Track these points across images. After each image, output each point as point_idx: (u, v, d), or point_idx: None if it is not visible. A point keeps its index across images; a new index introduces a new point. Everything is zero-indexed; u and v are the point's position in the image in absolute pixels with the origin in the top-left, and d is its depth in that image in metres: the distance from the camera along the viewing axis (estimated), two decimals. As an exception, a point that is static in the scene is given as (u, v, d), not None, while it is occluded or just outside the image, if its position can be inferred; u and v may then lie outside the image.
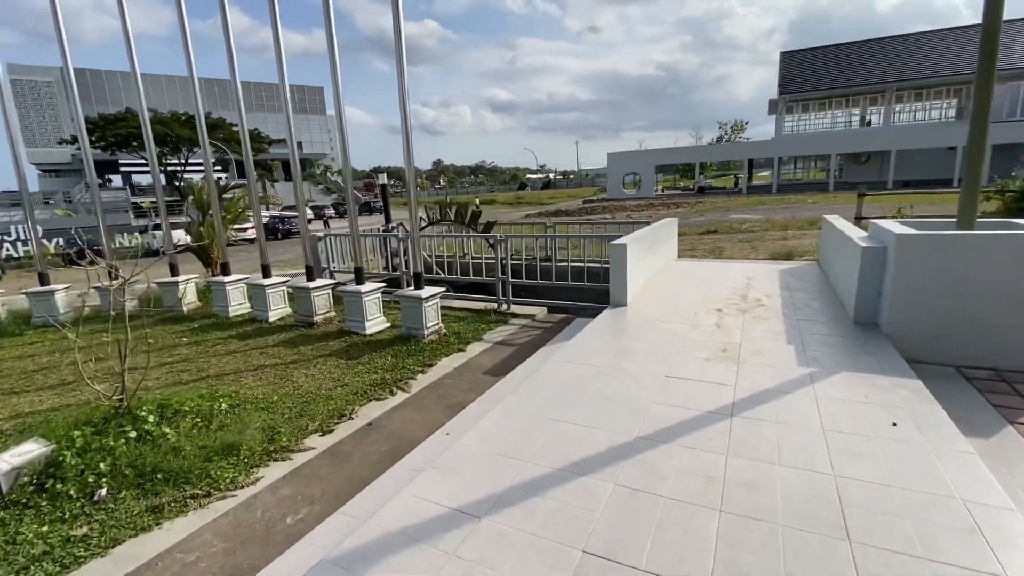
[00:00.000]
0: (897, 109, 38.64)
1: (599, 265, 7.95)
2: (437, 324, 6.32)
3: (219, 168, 53.73)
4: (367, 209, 56.21)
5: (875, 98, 38.89)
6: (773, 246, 10.54)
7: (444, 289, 6.36)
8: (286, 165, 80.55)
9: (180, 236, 26.89)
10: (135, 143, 43.11)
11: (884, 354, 3.93)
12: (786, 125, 42.18)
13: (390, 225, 10.46)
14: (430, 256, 9.30)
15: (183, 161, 48.55)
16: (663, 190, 51.99)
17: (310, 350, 6.02)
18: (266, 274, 7.64)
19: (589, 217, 28.36)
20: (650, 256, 6.99)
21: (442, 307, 7.57)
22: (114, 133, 41.96)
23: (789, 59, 41.73)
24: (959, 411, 3.19)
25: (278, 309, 7.56)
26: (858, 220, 7.77)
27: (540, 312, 7.22)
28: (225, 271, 8.09)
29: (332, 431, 3.96)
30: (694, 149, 48.27)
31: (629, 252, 5.80)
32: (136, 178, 63.58)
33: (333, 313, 7.33)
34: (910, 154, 34.75)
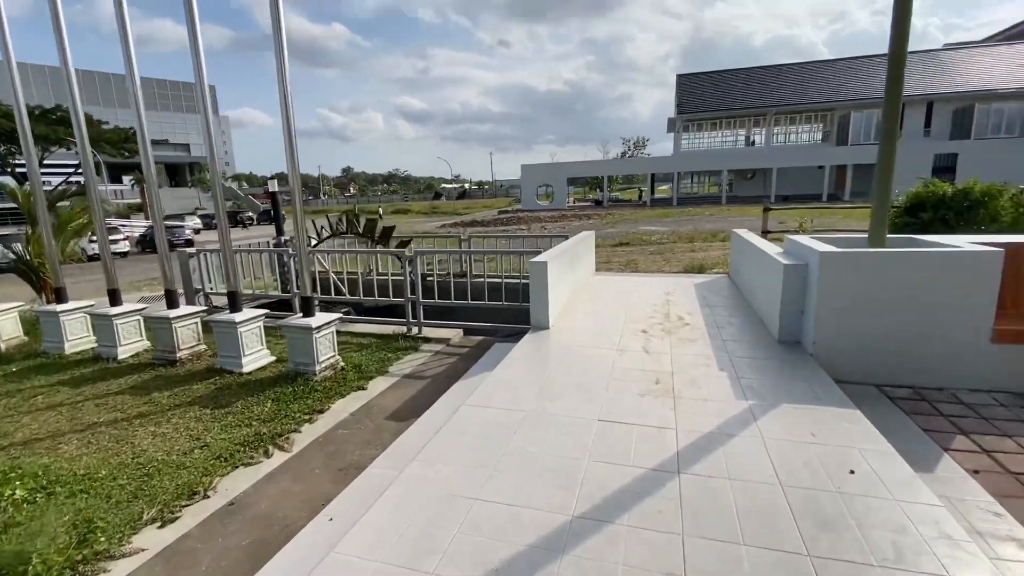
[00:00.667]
0: (776, 131, 42.98)
1: (518, 281, 7.45)
2: (333, 357, 5.41)
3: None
4: (267, 218, 51.97)
5: (758, 120, 42.94)
6: (684, 258, 10.74)
7: (343, 313, 5.49)
8: (169, 169, 72.67)
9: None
10: (-28, 138, 36.23)
11: (817, 379, 3.75)
12: (683, 142, 45.29)
13: (283, 238, 9.23)
14: (332, 274, 8.27)
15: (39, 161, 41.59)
16: (575, 202, 53.59)
17: (166, 397, 4.84)
18: (115, 300, 6.22)
19: (505, 228, 28.15)
20: (570, 272, 6.60)
21: (343, 334, 6.64)
22: None
23: (684, 81, 44.93)
24: (895, 440, 3.00)
25: (131, 344, 6.16)
26: (765, 234, 7.99)
27: (455, 335, 6.54)
28: (60, 297, 6.50)
29: (176, 518, 2.98)
30: (603, 163, 50.40)
31: (550, 270, 5.33)
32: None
33: (203, 347, 6.11)
34: (788, 171, 38.67)
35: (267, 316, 5.98)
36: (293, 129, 4.85)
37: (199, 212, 53.83)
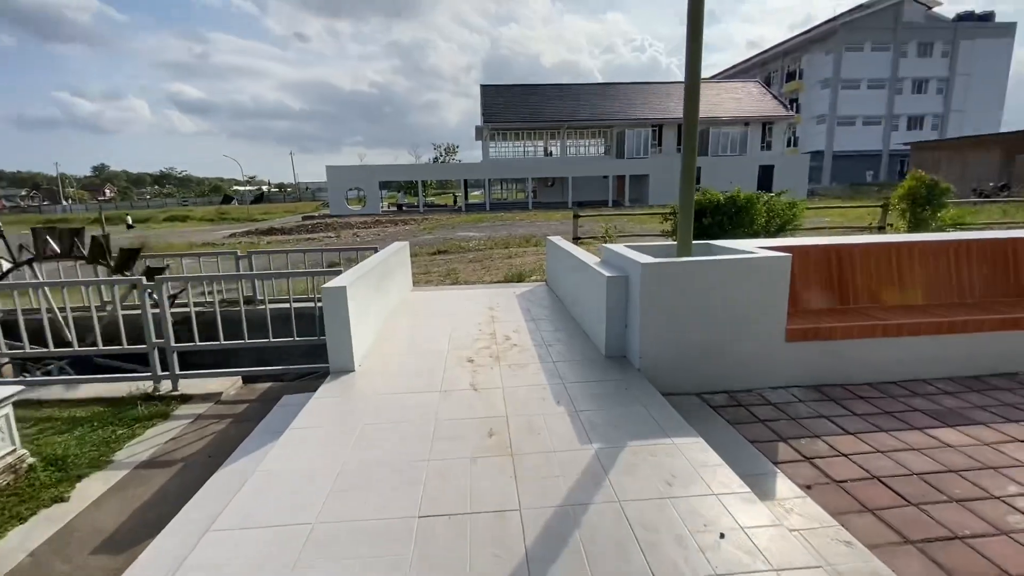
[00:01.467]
0: (569, 143, 47.69)
1: (314, 306, 6.12)
2: (12, 452, 3.48)
3: None
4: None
5: (554, 133, 47.07)
6: (502, 266, 10.54)
7: (20, 389, 3.55)
8: None
9: None
10: None
11: (652, 401, 3.50)
12: (491, 151, 47.20)
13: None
14: (45, 314, 5.73)
15: None
16: (389, 206, 51.66)
17: None
18: None
19: (311, 236, 25.29)
20: (380, 295, 5.59)
21: (47, 404, 4.58)
22: None
23: (488, 92, 46.81)
24: (733, 460, 2.83)
25: None
26: (576, 240, 8.10)
27: (231, 387, 4.98)
28: None
29: None
30: (415, 167, 49.54)
31: (351, 297, 4.27)
32: None
33: None
34: (580, 180, 43.19)
35: None
36: None
37: None
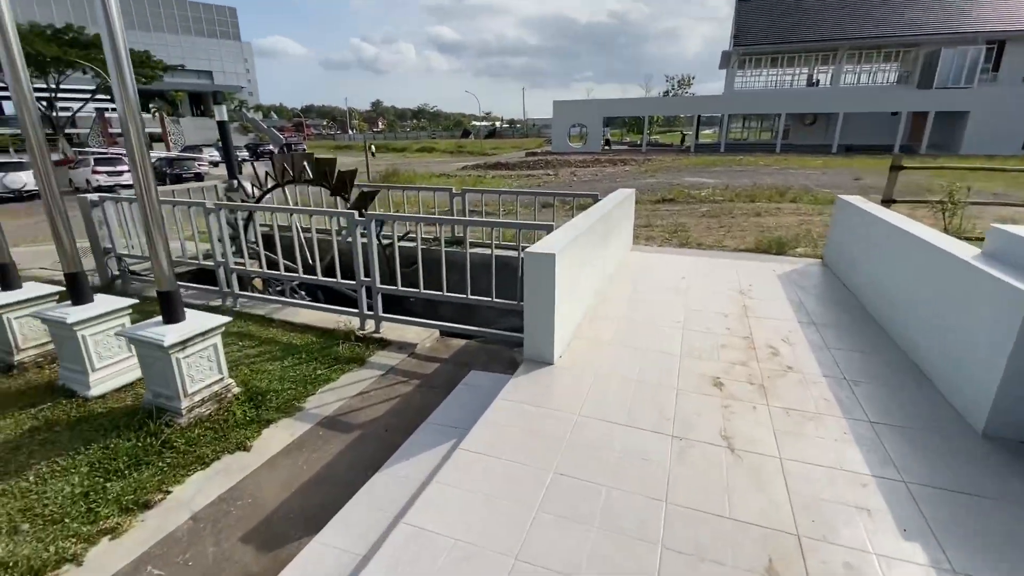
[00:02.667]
0: (847, 69, 37.61)
1: (520, 256, 5.27)
2: (217, 382, 3.49)
3: (109, 99, 45.24)
4: (289, 151, 50.11)
5: (826, 57, 37.58)
6: (749, 227, 8.27)
7: (227, 321, 3.48)
8: (194, 98, 70.56)
9: (25, 180, 21.48)
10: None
11: None
12: (737, 81, 40.37)
13: (233, 182, 7.19)
14: (277, 239, 6.26)
15: (53, 86, 40.19)
16: (610, 144, 49.58)
17: (-67, 447, 3.04)
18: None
19: (531, 172, 25.49)
20: (596, 259, 4.39)
21: (274, 324, 4.76)
22: None
23: (745, 8, 39.31)
24: None
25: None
26: (887, 204, 5.51)
27: (427, 339, 4.53)
28: None
29: None
30: (644, 101, 45.53)
31: (560, 267, 3.16)
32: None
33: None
34: (855, 117, 33.97)
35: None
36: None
37: (220, 144, 52.14)
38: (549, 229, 3.77)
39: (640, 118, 44.39)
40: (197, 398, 3.34)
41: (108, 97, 44.33)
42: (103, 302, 3.77)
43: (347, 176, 6.15)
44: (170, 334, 3.13)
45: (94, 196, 5.84)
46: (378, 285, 4.58)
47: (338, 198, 6.41)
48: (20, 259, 8.01)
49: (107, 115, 48.50)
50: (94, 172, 23.58)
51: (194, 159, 32.91)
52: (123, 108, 2.90)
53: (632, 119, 54.28)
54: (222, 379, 3.53)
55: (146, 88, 51.80)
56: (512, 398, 2.90)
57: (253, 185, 6.48)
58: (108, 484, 2.73)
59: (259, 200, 6.48)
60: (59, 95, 40.35)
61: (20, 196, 21.24)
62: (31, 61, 35.94)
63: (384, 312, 4.70)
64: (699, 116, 42.16)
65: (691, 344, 3.53)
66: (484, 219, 5.61)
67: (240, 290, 5.72)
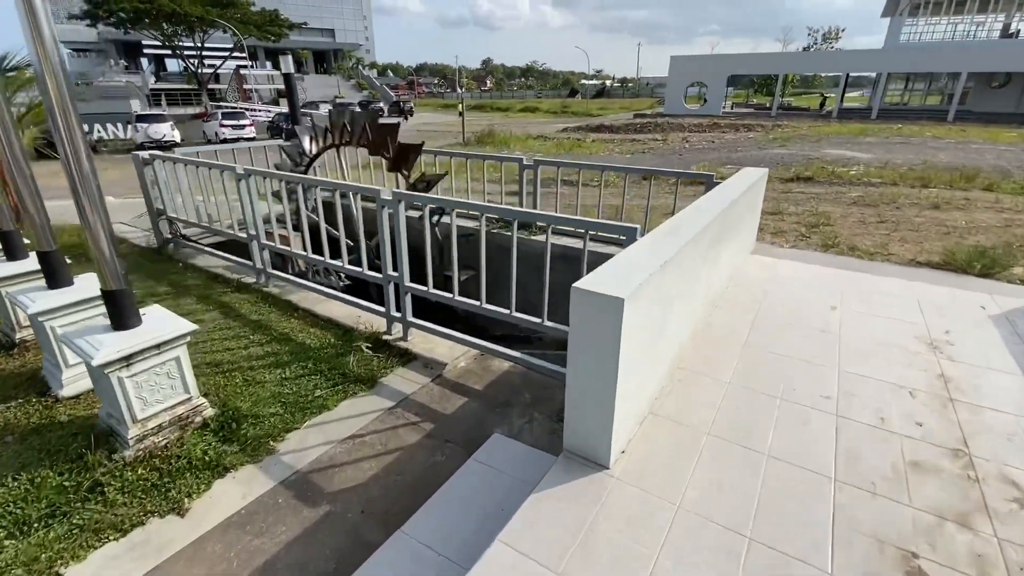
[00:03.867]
0: (1066, 14, 29.34)
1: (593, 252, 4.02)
2: (185, 402, 2.77)
3: (243, 56, 49.07)
4: (397, 109, 51.31)
5: (1035, -2, 29.55)
6: (922, 222, 6.11)
7: (192, 329, 2.70)
8: (318, 56, 74.49)
9: (165, 131, 23.67)
10: (147, 20, 38.69)
11: None
12: (904, 31, 33.37)
13: (295, 129, 6.55)
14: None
15: (199, 45, 44.10)
16: (732, 106, 44.23)
17: None
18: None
19: (635, 138, 23.16)
20: (694, 287, 2.98)
21: (303, 312, 4.09)
22: (122, 7, 37.22)
23: (928, -62, 31.88)
24: None
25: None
26: None
27: (460, 357, 3.53)
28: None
29: None
30: (777, 56, 39.29)
31: (631, 319, 1.87)
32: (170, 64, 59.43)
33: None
34: (1071, 77, 26.52)
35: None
36: None
37: (337, 100, 54.58)
38: (631, 236, 2.49)
39: (771, 77, 38.78)
40: (152, 424, 2.64)
41: (245, 55, 47.93)
42: (83, 287, 3.19)
43: (410, 150, 5.17)
44: (105, 349, 2.40)
45: (145, 154, 5.48)
46: (407, 283, 3.61)
47: (398, 175, 5.50)
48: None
49: (242, 72, 52.64)
50: (221, 125, 25.39)
51: (308, 115, 34.63)
52: (38, 58, 2.10)
53: (761, 78, 47.71)
54: (189, 399, 2.80)
55: (276, 46, 55.39)
56: (523, 544, 1.76)
57: (311, 140, 5.78)
58: None
59: (311, 163, 5.78)
60: (204, 53, 44.17)
61: (161, 145, 23.26)
62: (181, 21, 39.55)
63: (418, 315, 3.75)
64: (847, 75, 35.77)
65: (853, 455, 2.12)
66: (537, 211, 4.40)
67: (281, 269, 5.13)
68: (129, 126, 25.23)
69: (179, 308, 4.34)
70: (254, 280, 4.89)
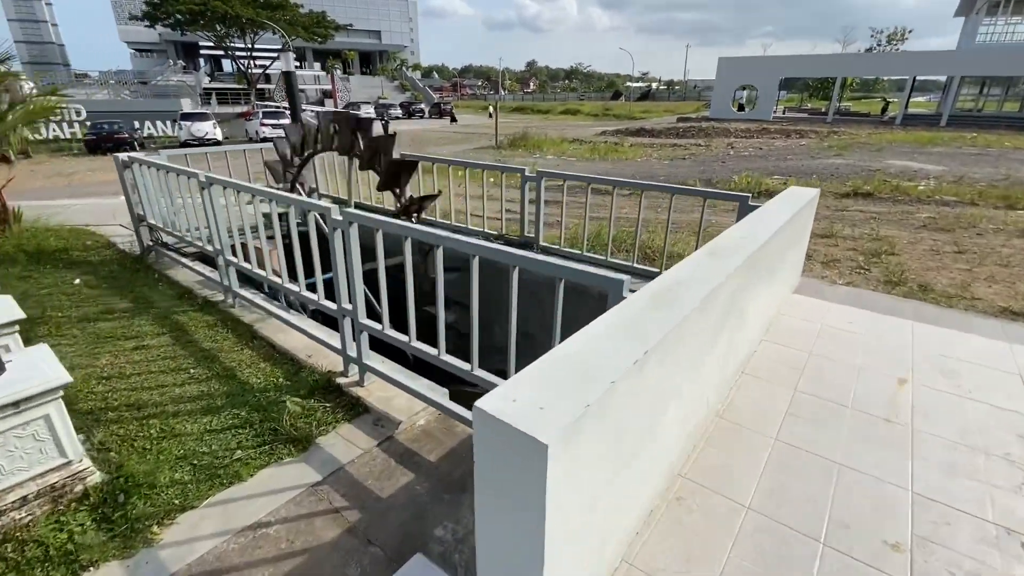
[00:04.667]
0: None
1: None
2: (62, 467, 2.27)
3: (294, 57, 50.40)
4: (437, 111, 51.52)
5: None
6: (1014, 253, 5.05)
7: (65, 383, 2.18)
8: (364, 57, 75.96)
9: (208, 129, 24.26)
10: (202, 21, 40.27)
11: None
12: (982, 30, 30.65)
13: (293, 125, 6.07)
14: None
15: (250, 45, 45.54)
16: (784, 111, 41.97)
17: None
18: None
19: (676, 141, 22.03)
20: (703, 362, 2.23)
21: (261, 340, 3.56)
22: (179, 9, 38.83)
23: (1014, -72, 29.11)
24: None
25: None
26: None
27: (420, 413, 2.91)
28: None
29: None
30: (837, 58, 36.80)
31: (563, 475, 1.17)
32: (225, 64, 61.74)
33: None
34: None
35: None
36: None
37: (380, 101, 55.35)
38: (617, 291, 1.79)
39: (829, 80, 36.48)
40: (10, 498, 2.13)
41: (293, 56, 49.27)
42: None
43: (403, 167, 4.58)
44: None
45: (125, 156, 5.13)
46: (361, 319, 3.01)
47: (393, 196, 4.91)
48: (106, 211, 8.10)
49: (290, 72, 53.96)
50: (261, 124, 25.82)
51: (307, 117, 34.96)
52: None
53: (818, 81, 45.11)
54: (67, 464, 2.29)
55: (323, 48, 56.74)
56: None
57: (293, 149, 5.29)
58: None
59: (299, 170, 5.29)
60: (255, 53, 45.55)
61: (203, 142, 23.70)
62: (233, 22, 40.94)
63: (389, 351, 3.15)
64: (913, 79, 33.16)
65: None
66: (538, 257, 3.72)
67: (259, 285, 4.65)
68: (174, 124, 26.05)
69: (129, 329, 3.91)
70: (222, 299, 4.42)
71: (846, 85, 41.05)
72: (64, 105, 6.36)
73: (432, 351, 2.69)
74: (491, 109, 22.65)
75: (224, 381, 3.26)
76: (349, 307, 3.06)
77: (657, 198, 7.59)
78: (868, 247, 5.30)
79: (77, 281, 4.84)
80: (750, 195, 3.34)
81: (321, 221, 5.02)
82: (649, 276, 3.91)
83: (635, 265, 3.98)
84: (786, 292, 3.57)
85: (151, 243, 5.44)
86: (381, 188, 4.68)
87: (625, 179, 3.96)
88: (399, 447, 2.72)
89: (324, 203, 3.06)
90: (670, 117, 39.90)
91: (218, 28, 41.04)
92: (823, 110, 38.15)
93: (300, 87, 56.35)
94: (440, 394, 2.86)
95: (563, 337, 1.54)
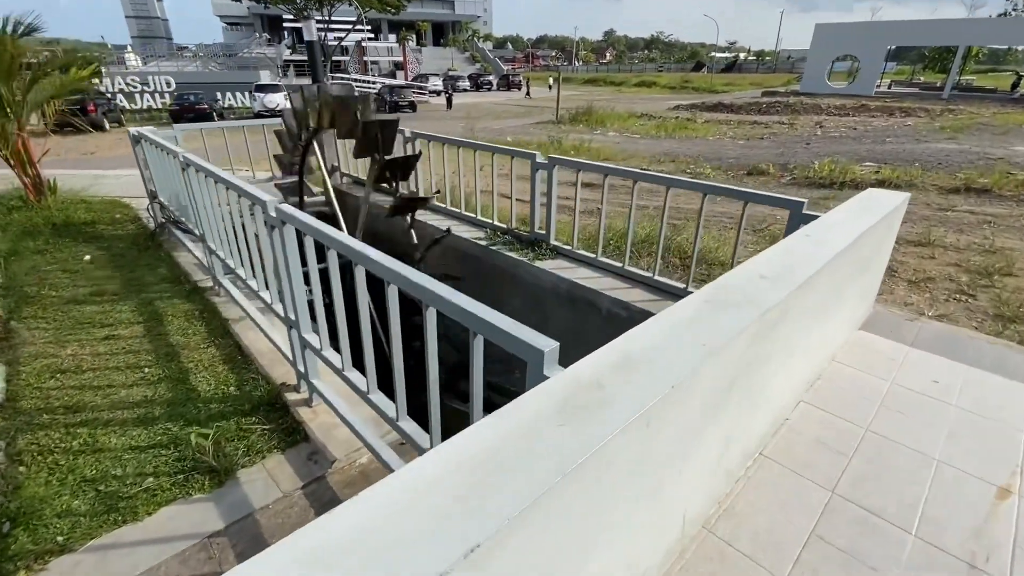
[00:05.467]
0: None
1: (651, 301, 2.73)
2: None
3: (368, 29, 51.17)
4: (506, 83, 50.53)
5: None
6: None
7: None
8: (437, 28, 75.66)
9: (279, 101, 25.07)
10: (285, -6, 41.46)
11: None
12: None
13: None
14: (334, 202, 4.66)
15: (327, 18, 46.58)
16: (891, 85, 37.14)
17: None
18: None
19: (758, 118, 19.99)
20: (688, 457, 1.57)
21: (232, 338, 3.25)
22: None
23: None
24: None
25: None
26: None
27: (355, 452, 2.46)
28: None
29: None
30: (962, 24, 31.62)
31: None
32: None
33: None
34: None
35: None
36: None
37: (450, 73, 55.13)
38: (538, 367, 1.19)
39: (949, 50, 31.58)
40: None
41: (368, 27, 49.88)
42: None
43: (398, 164, 4.07)
44: None
45: (135, 130, 5.00)
46: (303, 333, 2.57)
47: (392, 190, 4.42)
48: (132, 185, 7.93)
49: (363, 44, 54.91)
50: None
51: (413, 87, 34.79)
52: None
53: (935, 51, 39.30)
54: (-52, 487, 2.04)
55: (398, 19, 56.87)
56: None
57: (291, 127, 4.92)
58: None
59: (305, 146, 4.92)
60: (331, 26, 46.50)
61: (274, 113, 24.53)
62: (304, -8, 41.81)
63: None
64: (1063, 46, 27.92)
65: None
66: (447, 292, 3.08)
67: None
68: (250, 95, 27.14)
69: (108, 316, 3.75)
70: (211, 286, 4.19)
71: (970, 56, 35.44)
72: (94, 81, 6.26)
73: (362, 383, 2.20)
74: (552, 81, 21.60)
75: (173, 386, 2.98)
76: (293, 318, 2.63)
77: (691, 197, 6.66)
78: (976, 263, 4.18)
79: (87, 258, 4.82)
80: (805, 202, 2.53)
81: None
82: (674, 294, 3.19)
83: (656, 277, 3.27)
84: (847, 330, 2.73)
85: (163, 220, 5.35)
86: (376, 181, 4.20)
87: (648, 172, 3.21)
88: (325, 493, 2.29)
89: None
90: (755, 91, 36.58)
91: (297, 0, 42.14)
92: (939, 84, 33.30)
93: (373, 59, 57.01)
94: (380, 433, 2.38)
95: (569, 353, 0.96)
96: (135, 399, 2.86)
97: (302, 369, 2.75)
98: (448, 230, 4.34)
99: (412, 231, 4.24)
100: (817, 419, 2.15)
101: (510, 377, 4.06)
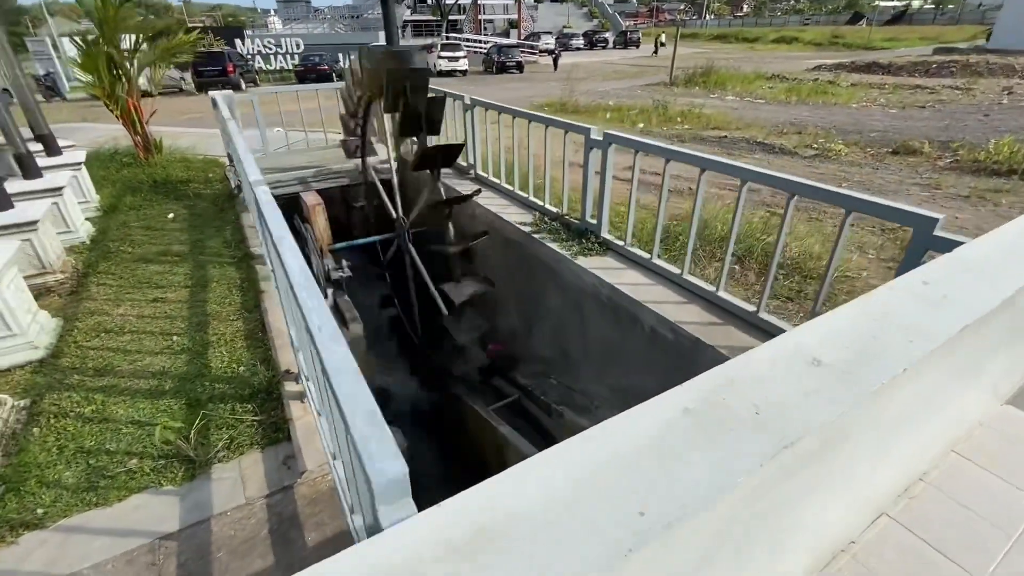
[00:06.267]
0: None
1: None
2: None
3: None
4: (623, 40, 47.48)
5: None
6: None
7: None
8: (553, -19, 72.22)
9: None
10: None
11: None
12: None
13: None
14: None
15: (443, -25, 46.62)
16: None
17: None
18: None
19: (919, 82, 16.56)
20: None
21: (256, 315, 3.28)
22: None
23: None
24: None
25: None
26: None
27: (325, 465, 2.25)
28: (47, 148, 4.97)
29: None
30: None
31: None
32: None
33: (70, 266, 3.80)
34: None
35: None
36: None
37: (564, 30, 53.14)
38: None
39: None
40: None
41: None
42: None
43: (442, 151, 3.72)
44: None
45: (216, 94, 5.15)
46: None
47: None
48: (255, 142, 8.27)
49: (479, 2, 54.35)
50: (439, 57, 26.41)
51: (523, 47, 33.53)
52: None
53: None
54: (-40, 445, 2.16)
55: (506, -25, 55.38)
56: None
57: (349, 94, 4.72)
58: None
59: (365, 118, 4.72)
60: (448, -17, 46.42)
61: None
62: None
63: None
64: None
65: None
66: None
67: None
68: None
69: (164, 277, 3.93)
70: (261, 253, 4.24)
71: None
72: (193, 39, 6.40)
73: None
74: (662, 38, 19.65)
75: (191, 359, 2.99)
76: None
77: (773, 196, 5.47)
78: None
79: (171, 216, 5.15)
80: (941, 219, 1.73)
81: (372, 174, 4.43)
82: (738, 318, 2.51)
83: (719, 293, 2.60)
84: (987, 403, 1.90)
85: (239, 182, 5.55)
86: (415, 167, 3.86)
87: (718, 159, 2.48)
88: (288, 508, 2.11)
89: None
90: (925, 48, 30.44)
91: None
92: None
93: (488, 17, 56.23)
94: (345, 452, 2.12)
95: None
96: (154, 369, 2.91)
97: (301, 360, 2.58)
98: (477, 191, 3.94)
99: (451, 225, 3.90)
100: (910, 547, 1.47)
101: (543, 382, 3.65)
